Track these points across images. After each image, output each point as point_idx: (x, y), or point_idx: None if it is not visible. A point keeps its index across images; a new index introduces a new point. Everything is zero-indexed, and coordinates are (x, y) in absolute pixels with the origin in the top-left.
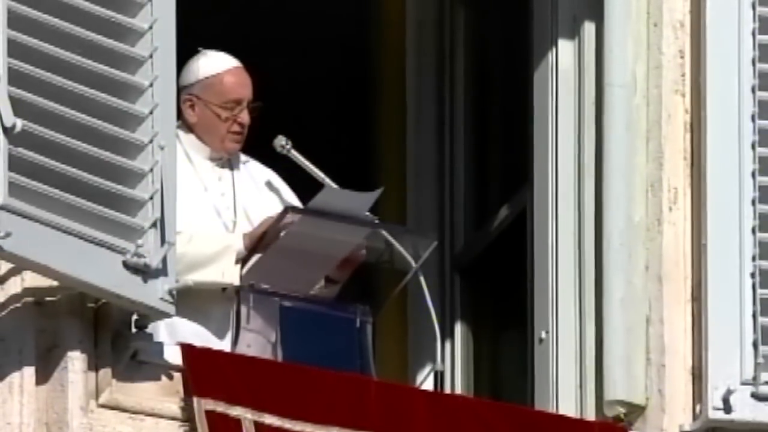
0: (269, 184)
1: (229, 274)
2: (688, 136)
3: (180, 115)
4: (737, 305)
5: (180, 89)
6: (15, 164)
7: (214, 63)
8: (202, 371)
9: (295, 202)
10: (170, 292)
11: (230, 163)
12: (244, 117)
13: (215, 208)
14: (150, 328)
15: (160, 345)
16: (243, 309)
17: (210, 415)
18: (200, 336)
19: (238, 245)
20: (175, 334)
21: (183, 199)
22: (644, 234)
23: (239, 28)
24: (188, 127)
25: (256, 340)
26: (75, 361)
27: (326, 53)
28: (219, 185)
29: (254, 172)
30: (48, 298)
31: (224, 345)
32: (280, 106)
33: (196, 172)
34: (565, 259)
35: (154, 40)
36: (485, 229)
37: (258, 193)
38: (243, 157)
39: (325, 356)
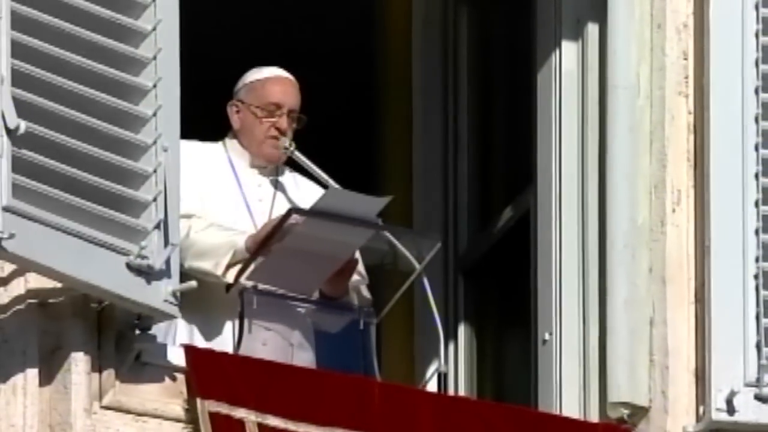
0: None
1: (221, 267)
2: (692, 137)
3: (229, 122)
4: (740, 307)
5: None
6: (19, 166)
7: (263, 71)
8: (206, 373)
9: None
10: (174, 294)
11: (276, 172)
12: (282, 122)
13: (248, 208)
14: (163, 329)
15: (164, 346)
16: (247, 310)
17: (213, 416)
18: (216, 338)
19: (240, 243)
20: (193, 336)
21: (217, 196)
22: (647, 235)
23: (242, 33)
24: (233, 134)
25: (274, 339)
26: (78, 362)
27: (330, 56)
28: (258, 190)
29: (304, 188)
30: (51, 300)
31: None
32: None
33: (235, 176)
34: (568, 260)
35: (158, 42)
36: (489, 231)
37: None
38: (296, 173)
39: (329, 357)
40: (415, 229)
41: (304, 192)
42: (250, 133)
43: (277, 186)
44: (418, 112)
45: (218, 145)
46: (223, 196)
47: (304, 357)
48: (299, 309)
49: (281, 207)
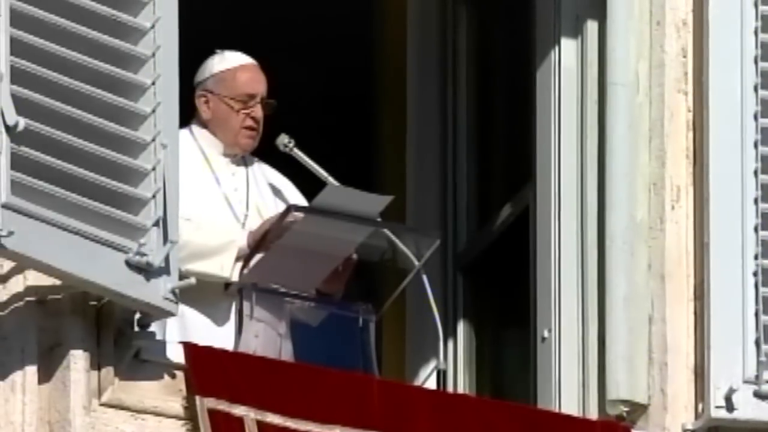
0: (282, 189)
1: (227, 268)
2: (691, 134)
3: (195, 111)
4: (740, 304)
5: (195, 86)
6: (18, 163)
7: (228, 59)
8: (205, 370)
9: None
10: (173, 291)
11: (245, 161)
12: (258, 112)
13: (227, 200)
14: (155, 325)
15: (163, 343)
16: (246, 307)
17: (212, 413)
18: (208, 327)
19: (242, 241)
20: (183, 327)
21: (194, 189)
22: (647, 232)
23: (240, 28)
24: (202, 124)
25: (265, 331)
26: (77, 359)
27: (328, 52)
28: (232, 180)
29: (269, 174)
30: (50, 297)
31: (229, 335)
32: (280, 105)
33: (210, 166)
34: (567, 257)
35: (157, 39)
36: (488, 228)
37: (271, 194)
38: (258, 160)
39: (328, 355)
40: (414, 226)
41: (272, 179)
42: (224, 124)
43: (248, 175)
44: (416, 109)
45: (185, 132)
46: (199, 187)
47: (289, 348)
48: (285, 301)
49: (255, 196)
